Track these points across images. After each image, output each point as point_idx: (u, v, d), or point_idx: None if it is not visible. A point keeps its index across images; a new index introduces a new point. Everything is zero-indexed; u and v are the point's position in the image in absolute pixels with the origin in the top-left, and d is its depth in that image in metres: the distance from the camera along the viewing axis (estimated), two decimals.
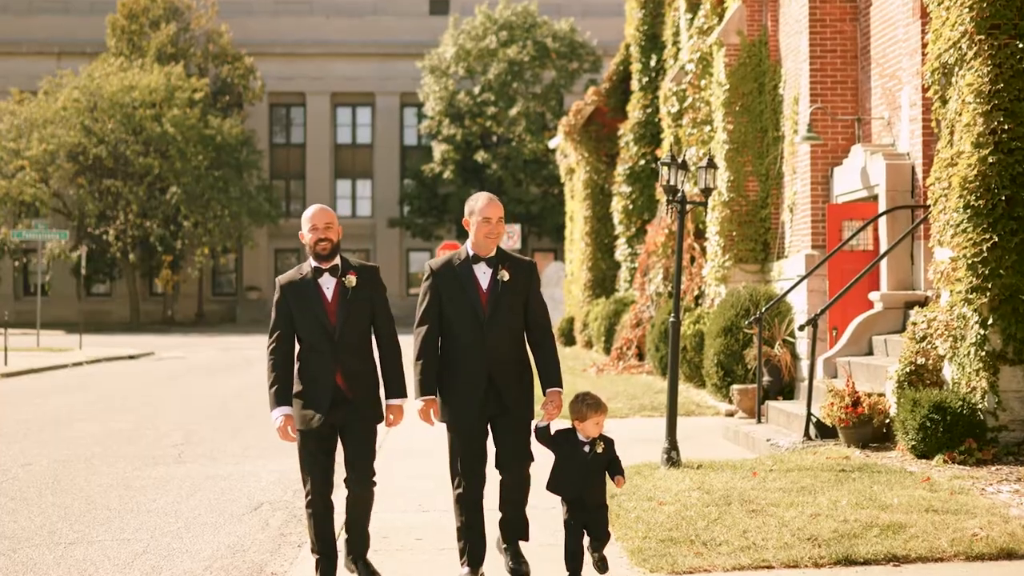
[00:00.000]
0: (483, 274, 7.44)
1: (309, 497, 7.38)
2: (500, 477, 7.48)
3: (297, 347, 7.44)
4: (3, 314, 35.21)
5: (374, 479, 7.47)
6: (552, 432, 7.24)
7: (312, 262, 7.39)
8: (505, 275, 7.42)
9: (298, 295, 7.34)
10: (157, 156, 57.02)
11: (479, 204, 7.47)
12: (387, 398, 7.45)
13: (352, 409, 7.33)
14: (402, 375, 7.47)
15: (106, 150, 56.68)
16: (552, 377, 7.47)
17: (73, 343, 41.87)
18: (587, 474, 7.14)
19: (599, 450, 7.16)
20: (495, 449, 7.45)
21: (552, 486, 7.22)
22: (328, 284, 7.35)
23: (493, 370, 7.35)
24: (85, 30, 67.19)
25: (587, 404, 7.15)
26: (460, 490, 7.41)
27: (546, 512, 9.04)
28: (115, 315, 64.94)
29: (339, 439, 7.40)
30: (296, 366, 7.39)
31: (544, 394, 7.49)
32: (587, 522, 7.14)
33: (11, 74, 65.78)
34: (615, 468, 7.22)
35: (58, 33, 67.69)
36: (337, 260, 7.38)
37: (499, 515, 7.56)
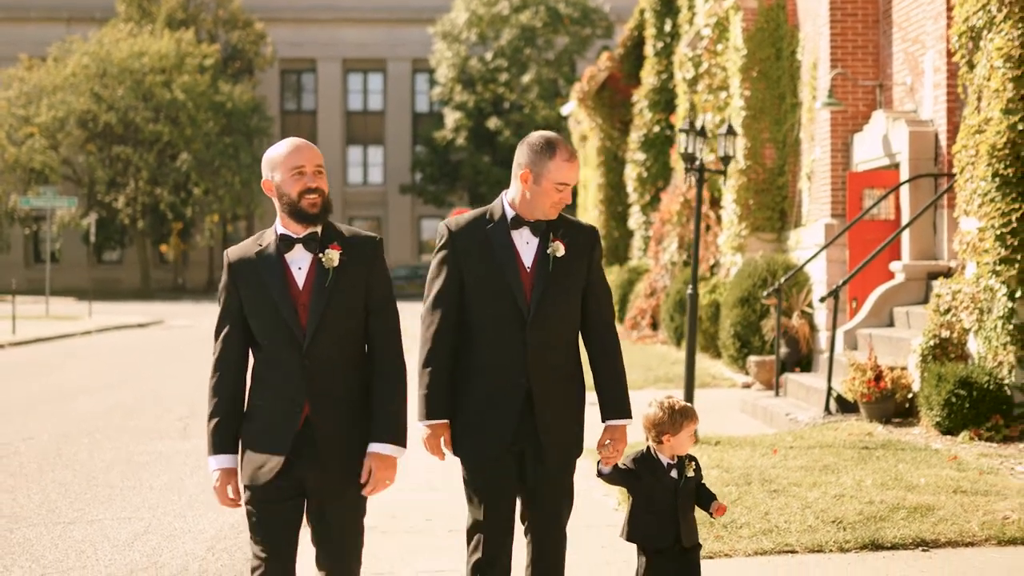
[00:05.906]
0: (526, 244, 5.14)
1: None
2: (526, 537, 5.26)
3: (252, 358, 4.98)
4: (12, 282, 35.01)
5: None
6: (623, 464, 5.23)
7: (279, 227, 4.83)
8: (560, 249, 5.12)
9: (253, 277, 4.80)
10: (167, 123, 56.75)
11: (552, 161, 5.05)
12: (372, 439, 4.80)
13: (327, 469, 4.75)
14: (402, 409, 4.86)
15: (116, 117, 56.40)
16: (617, 402, 5.18)
17: (83, 311, 41.68)
18: (680, 508, 5.20)
19: (690, 474, 5.23)
20: (520, 497, 5.27)
21: (635, 534, 5.24)
22: (300, 262, 4.80)
23: (536, 387, 5.07)
24: None
25: (674, 412, 5.18)
26: (479, 555, 5.14)
27: None
28: (126, 282, 64.83)
29: (305, 513, 4.85)
30: (248, 386, 4.91)
31: (603, 421, 5.24)
32: (680, 574, 5.22)
33: (20, 40, 65.48)
34: (705, 492, 5.30)
35: None
36: (318, 227, 4.83)
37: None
